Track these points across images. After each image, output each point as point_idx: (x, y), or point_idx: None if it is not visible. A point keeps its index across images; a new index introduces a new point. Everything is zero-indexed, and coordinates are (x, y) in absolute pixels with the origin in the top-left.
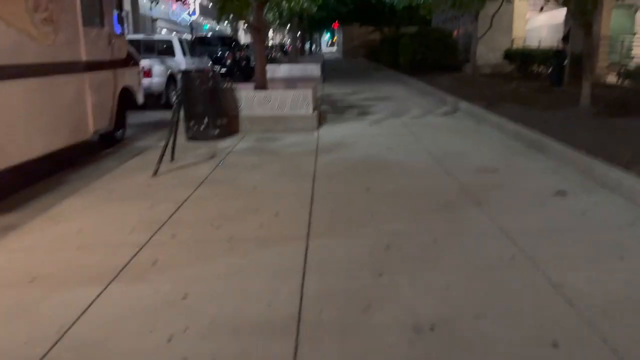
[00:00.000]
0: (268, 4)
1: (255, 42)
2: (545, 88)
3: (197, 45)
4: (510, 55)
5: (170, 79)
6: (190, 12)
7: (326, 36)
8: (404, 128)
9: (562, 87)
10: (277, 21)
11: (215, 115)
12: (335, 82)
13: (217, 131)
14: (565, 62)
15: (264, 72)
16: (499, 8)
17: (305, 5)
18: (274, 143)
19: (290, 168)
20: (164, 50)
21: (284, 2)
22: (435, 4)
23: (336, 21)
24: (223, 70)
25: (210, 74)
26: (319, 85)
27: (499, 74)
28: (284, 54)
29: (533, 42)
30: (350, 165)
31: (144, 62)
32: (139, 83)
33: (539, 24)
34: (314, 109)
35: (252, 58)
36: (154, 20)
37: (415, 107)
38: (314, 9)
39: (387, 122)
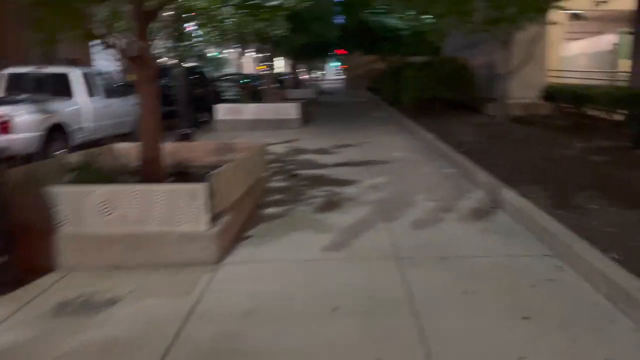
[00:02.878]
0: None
1: (140, 84)
2: (627, 151)
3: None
4: (553, 93)
5: (56, 131)
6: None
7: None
8: (395, 278)
9: None
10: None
11: None
12: (318, 126)
13: None
14: None
15: (154, 146)
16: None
17: (258, 26)
18: (79, 328)
19: None
20: (58, 88)
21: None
22: (451, 24)
23: (336, 48)
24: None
25: None
26: (298, 130)
27: (537, 119)
28: (279, 86)
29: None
30: None
31: (2, 109)
32: None
33: (574, 53)
34: (217, 214)
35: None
36: None
37: (419, 190)
38: (275, 31)
39: (365, 244)
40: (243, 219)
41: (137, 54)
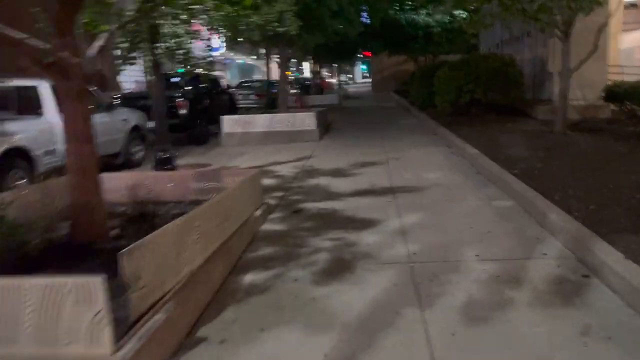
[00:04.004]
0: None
1: (62, 100)
2: None
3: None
4: (617, 92)
5: (15, 157)
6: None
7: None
8: None
9: None
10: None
11: None
12: (338, 137)
13: None
14: None
15: (86, 187)
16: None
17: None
18: None
19: None
20: (25, 104)
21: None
22: (494, 14)
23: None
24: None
25: None
26: (314, 144)
27: (601, 125)
28: (304, 91)
29: (630, 72)
30: None
31: None
32: None
33: (631, 45)
34: (142, 315)
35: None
36: None
37: (467, 239)
38: (279, 29)
39: (387, 358)
40: (202, 299)
41: (53, 60)
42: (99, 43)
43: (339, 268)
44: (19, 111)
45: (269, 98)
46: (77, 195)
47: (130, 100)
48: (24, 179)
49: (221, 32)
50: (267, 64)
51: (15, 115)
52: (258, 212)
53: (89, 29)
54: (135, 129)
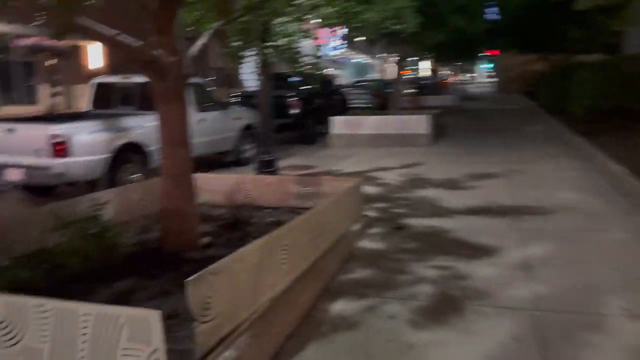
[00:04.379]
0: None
1: (158, 101)
2: None
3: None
4: None
5: (130, 152)
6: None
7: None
8: None
9: None
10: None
11: None
12: (453, 143)
13: None
14: None
15: (178, 194)
16: None
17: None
18: None
19: None
20: (142, 101)
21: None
22: None
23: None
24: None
25: None
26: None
27: None
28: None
29: None
30: None
31: (58, 128)
32: None
33: None
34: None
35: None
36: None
37: (610, 283)
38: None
39: None
40: (282, 331)
41: (151, 59)
42: (201, 41)
43: (444, 307)
44: (140, 107)
45: (381, 98)
46: (169, 202)
47: (247, 99)
48: (137, 174)
49: (334, 30)
50: (383, 63)
51: (135, 111)
52: (356, 227)
53: (192, 26)
54: (248, 127)
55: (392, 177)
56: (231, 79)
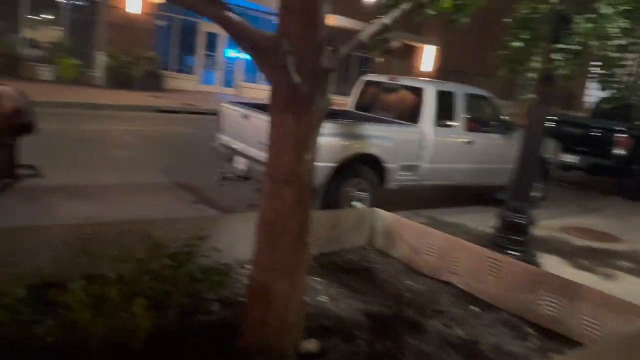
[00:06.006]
0: None
1: (271, 105)
2: None
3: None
4: None
5: (365, 165)
6: None
7: None
8: None
9: None
10: None
11: None
12: None
13: None
14: None
15: (276, 276)
16: None
17: None
18: None
19: None
20: (404, 107)
21: None
22: None
23: None
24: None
25: None
26: None
27: None
28: None
29: None
30: None
31: None
32: None
33: None
34: None
35: None
36: None
37: None
38: None
39: None
40: None
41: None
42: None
43: None
44: (398, 115)
45: None
46: (263, 271)
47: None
48: (364, 191)
49: None
50: None
51: (389, 118)
52: None
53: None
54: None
55: None
56: (571, 98)
